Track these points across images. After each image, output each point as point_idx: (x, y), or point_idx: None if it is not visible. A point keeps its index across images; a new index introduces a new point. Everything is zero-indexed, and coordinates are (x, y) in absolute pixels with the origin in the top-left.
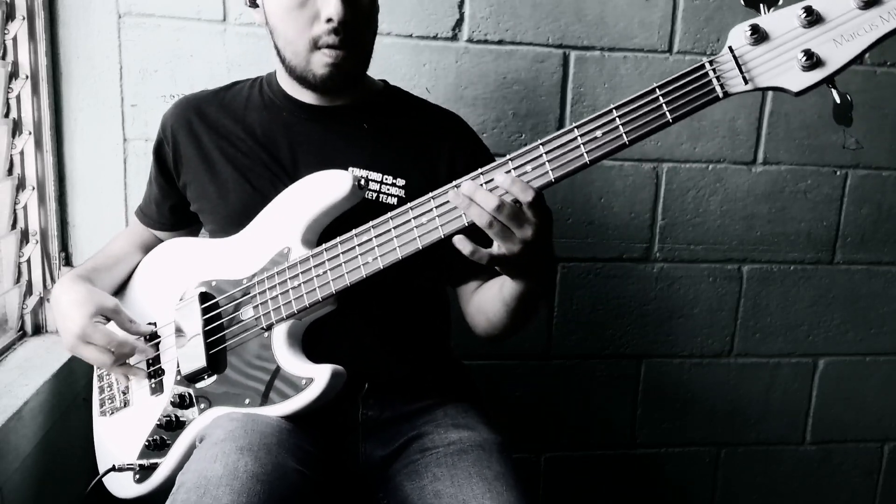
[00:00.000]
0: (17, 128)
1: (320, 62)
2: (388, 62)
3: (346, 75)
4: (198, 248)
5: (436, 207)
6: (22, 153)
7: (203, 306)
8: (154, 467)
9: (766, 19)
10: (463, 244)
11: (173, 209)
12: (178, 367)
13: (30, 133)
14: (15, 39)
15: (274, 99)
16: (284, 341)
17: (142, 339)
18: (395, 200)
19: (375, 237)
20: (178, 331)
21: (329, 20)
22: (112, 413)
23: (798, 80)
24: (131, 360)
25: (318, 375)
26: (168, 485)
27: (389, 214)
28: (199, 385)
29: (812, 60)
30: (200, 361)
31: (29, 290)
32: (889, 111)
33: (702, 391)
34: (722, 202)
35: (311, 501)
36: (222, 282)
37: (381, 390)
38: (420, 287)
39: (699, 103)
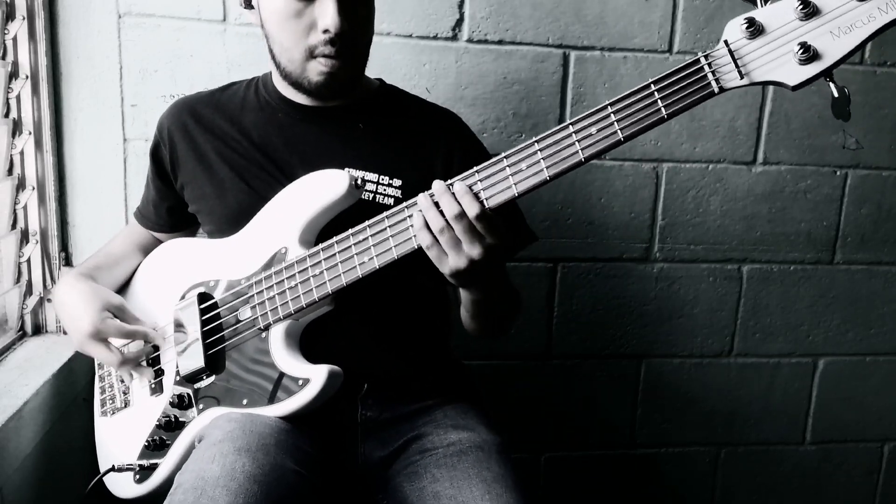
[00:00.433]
0: (17, 128)
1: (316, 70)
2: (388, 62)
3: (342, 82)
4: (197, 249)
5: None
6: (22, 153)
7: (202, 307)
8: (154, 467)
9: (762, 12)
10: (423, 235)
11: (171, 211)
12: (177, 367)
13: (30, 133)
14: (15, 39)
15: (269, 100)
16: (282, 342)
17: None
18: (391, 201)
19: (371, 236)
20: (178, 331)
21: (326, 31)
22: (113, 413)
23: (795, 73)
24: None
25: (315, 376)
26: (168, 485)
27: (385, 214)
28: (198, 385)
29: (809, 53)
30: (199, 362)
31: (29, 290)
32: (889, 111)
33: (702, 391)
34: (722, 202)
35: (309, 502)
36: (221, 282)
37: (380, 391)
38: (418, 286)
39: (694, 98)
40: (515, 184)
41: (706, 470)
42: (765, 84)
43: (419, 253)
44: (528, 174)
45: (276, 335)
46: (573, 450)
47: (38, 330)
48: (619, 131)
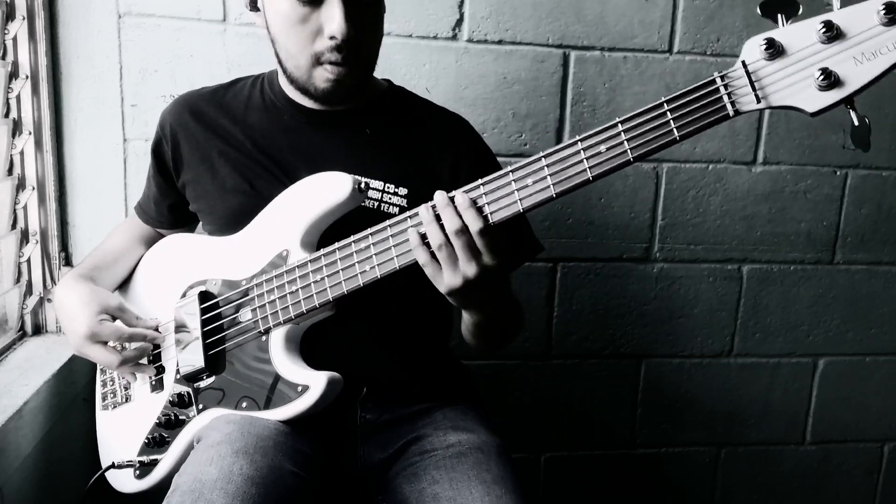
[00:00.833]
0: (17, 128)
1: (322, 77)
2: (388, 62)
3: (349, 89)
4: (199, 246)
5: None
6: (22, 153)
7: (202, 306)
8: (154, 463)
9: (782, 32)
10: (419, 252)
11: (172, 208)
12: (177, 365)
13: (30, 133)
14: (15, 39)
15: (275, 101)
16: (282, 345)
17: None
18: (396, 210)
19: (373, 244)
20: (178, 330)
21: (332, 37)
22: (114, 407)
23: (814, 99)
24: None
25: (315, 383)
26: (169, 480)
27: (388, 222)
28: (198, 385)
29: (830, 80)
30: (199, 362)
31: (29, 290)
32: (889, 111)
33: (702, 391)
34: (722, 202)
35: None
36: (222, 282)
37: (380, 394)
38: (419, 290)
39: (708, 121)
40: (521, 199)
41: (706, 470)
42: (782, 109)
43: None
44: (533, 190)
45: (277, 339)
46: (573, 450)
47: (38, 330)
48: (628, 151)
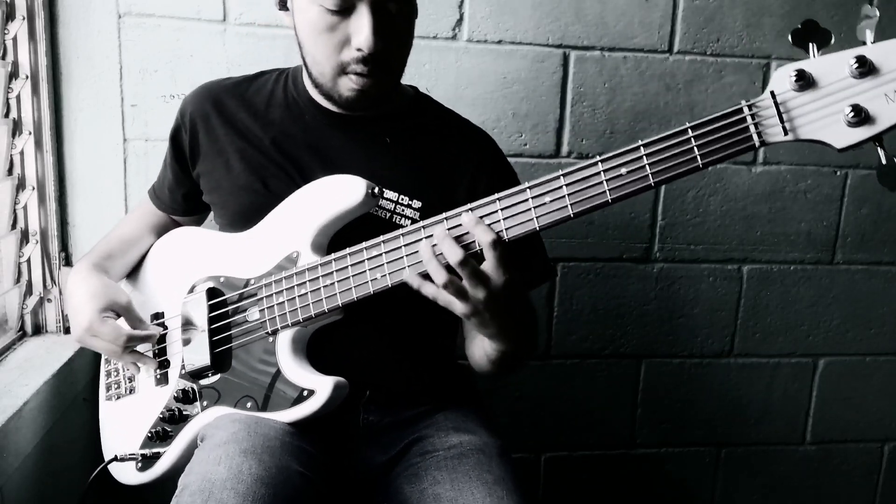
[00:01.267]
0: (17, 128)
1: (346, 86)
2: None
3: (374, 99)
4: (208, 241)
5: (448, 230)
6: (22, 153)
7: (210, 303)
8: (157, 456)
9: (813, 64)
10: (413, 278)
11: (186, 197)
12: (183, 361)
13: (30, 133)
14: (15, 39)
15: (297, 99)
16: (289, 348)
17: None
18: (408, 222)
19: (385, 253)
20: (185, 324)
21: (359, 49)
22: (117, 398)
23: (842, 135)
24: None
25: (321, 388)
26: (171, 473)
27: (401, 231)
28: (202, 382)
29: (860, 117)
30: (205, 360)
31: (29, 290)
32: None
33: (702, 391)
34: (722, 202)
35: None
36: (230, 279)
37: (383, 397)
38: (426, 298)
39: (733, 150)
40: (537, 217)
41: (706, 470)
42: (809, 142)
43: None
44: (551, 209)
45: (284, 340)
46: (573, 450)
47: (38, 330)
48: (650, 175)
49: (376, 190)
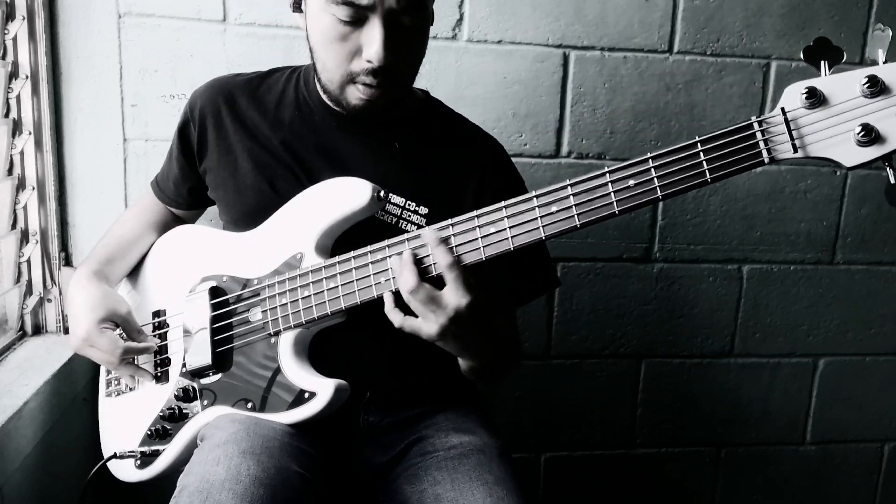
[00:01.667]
0: (17, 128)
1: (354, 95)
2: None
3: (381, 108)
4: (211, 240)
5: (454, 235)
6: (22, 153)
7: (213, 302)
8: (156, 454)
9: (825, 82)
10: (388, 302)
11: (192, 191)
12: (184, 359)
13: (30, 133)
14: (15, 39)
15: (308, 100)
16: (291, 349)
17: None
18: (414, 228)
19: (389, 258)
20: (186, 323)
21: (369, 61)
22: (117, 395)
23: (852, 154)
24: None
25: (322, 390)
26: (169, 472)
27: (406, 236)
28: (203, 381)
29: (870, 136)
30: (206, 359)
31: (29, 290)
32: None
33: (702, 391)
34: (722, 202)
35: None
36: (233, 279)
37: (383, 398)
38: None
39: (742, 166)
40: (543, 226)
41: (706, 470)
42: (818, 160)
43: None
44: (557, 218)
45: (286, 342)
46: (573, 450)
47: (38, 330)
48: (658, 188)
49: (382, 193)
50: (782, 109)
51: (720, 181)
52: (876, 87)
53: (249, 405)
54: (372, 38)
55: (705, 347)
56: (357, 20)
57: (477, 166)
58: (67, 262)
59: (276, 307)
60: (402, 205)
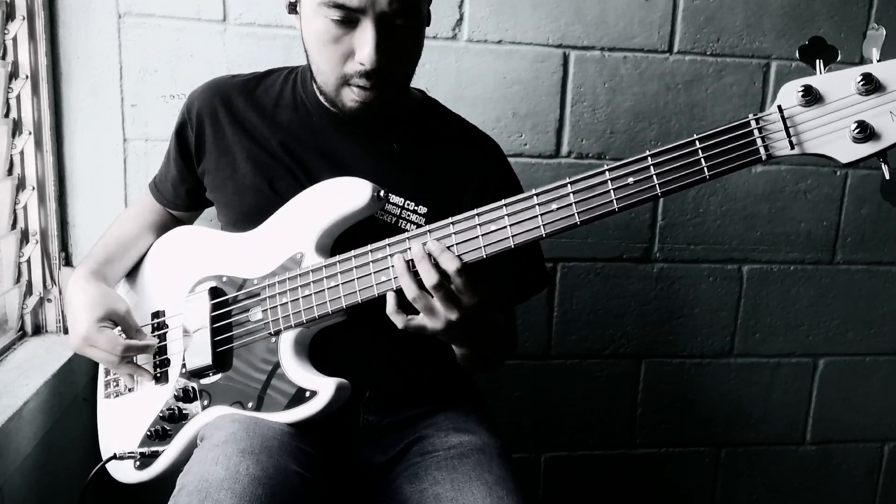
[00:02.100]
0: (17, 128)
1: (349, 97)
2: None
3: (377, 110)
4: (210, 240)
5: (455, 234)
6: (22, 153)
7: (213, 302)
8: (155, 455)
9: (820, 80)
10: (391, 303)
11: (190, 193)
12: (183, 359)
13: (30, 133)
14: (15, 39)
15: (306, 101)
16: (291, 348)
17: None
18: (413, 228)
19: (391, 256)
20: (186, 323)
21: (362, 64)
22: (116, 396)
23: (848, 151)
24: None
25: (323, 389)
26: (169, 472)
27: (407, 234)
28: (203, 381)
29: (865, 133)
30: (206, 359)
31: (29, 290)
32: None
33: (702, 391)
34: (722, 202)
35: None
36: (233, 279)
37: (383, 397)
38: None
39: (739, 163)
40: (543, 224)
41: (706, 470)
42: (814, 157)
43: None
44: (558, 216)
45: (286, 341)
46: (573, 450)
47: (38, 330)
48: (657, 185)
49: (382, 193)
50: (779, 107)
51: (718, 178)
52: (871, 85)
53: (249, 405)
54: (364, 41)
55: (705, 347)
56: (349, 22)
57: (477, 167)
58: (67, 262)
59: (276, 307)
60: (401, 205)
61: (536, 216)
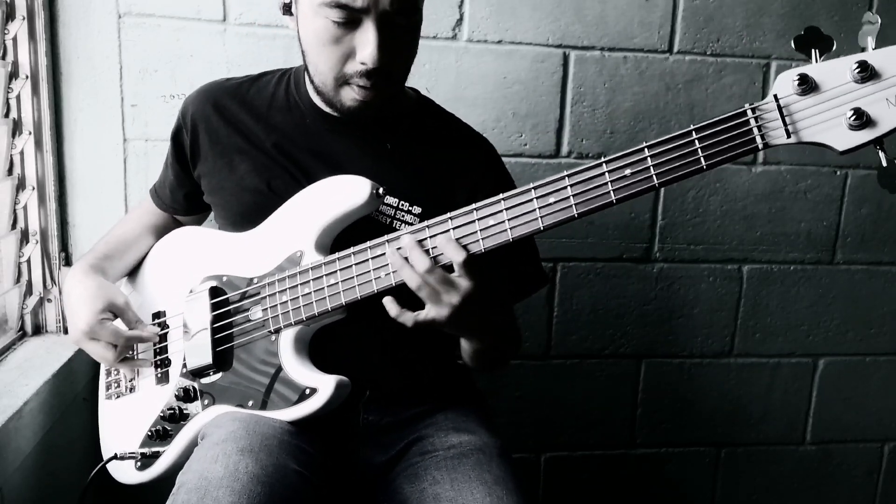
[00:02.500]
0: (17, 128)
1: (349, 97)
2: None
3: (377, 108)
4: (210, 240)
5: (453, 229)
6: (22, 153)
7: (213, 301)
8: (156, 456)
9: (816, 69)
10: (391, 306)
11: (188, 196)
12: (184, 359)
13: (30, 133)
14: (15, 39)
15: (299, 102)
16: (291, 346)
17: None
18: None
19: (388, 245)
20: (187, 323)
21: (363, 63)
22: (117, 397)
23: (844, 138)
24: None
25: (323, 387)
26: (170, 473)
27: (406, 230)
28: (204, 380)
29: (861, 120)
30: (207, 358)
31: (29, 290)
32: None
33: (702, 391)
34: (722, 202)
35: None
36: (233, 278)
37: (383, 397)
38: None
39: (736, 152)
40: (541, 217)
41: (706, 470)
42: (811, 145)
43: None
44: (556, 209)
45: (286, 339)
46: (573, 450)
47: (38, 330)
48: (654, 176)
49: (381, 190)
50: (775, 96)
51: (715, 168)
52: (866, 73)
53: (250, 403)
54: (366, 41)
55: (705, 347)
56: (350, 22)
57: (471, 167)
58: (67, 262)
59: (276, 305)
60: (395, 205)
61: (534, 209)
